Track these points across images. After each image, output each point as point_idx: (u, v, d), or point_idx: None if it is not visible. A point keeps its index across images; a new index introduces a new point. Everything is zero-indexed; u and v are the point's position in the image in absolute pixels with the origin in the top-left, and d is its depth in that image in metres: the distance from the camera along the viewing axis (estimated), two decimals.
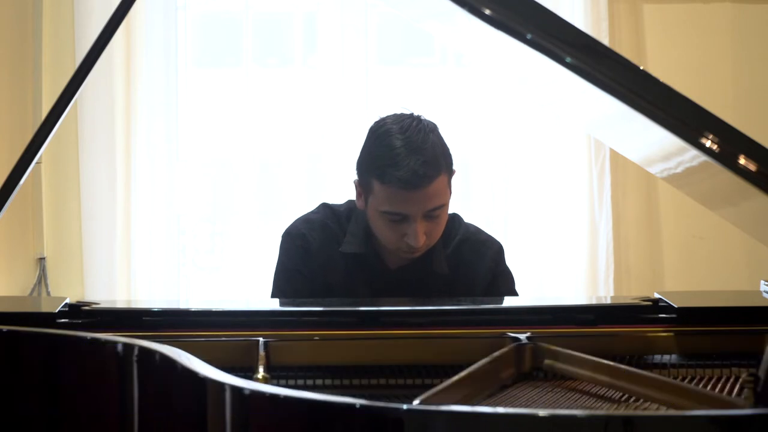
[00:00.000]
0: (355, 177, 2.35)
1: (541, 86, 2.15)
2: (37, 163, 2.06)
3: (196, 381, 1.51)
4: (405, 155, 2.23)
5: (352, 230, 2.40)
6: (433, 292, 2.36)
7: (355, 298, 2.34)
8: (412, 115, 2.32)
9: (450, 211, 2.46)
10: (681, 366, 1.95)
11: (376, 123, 2.33)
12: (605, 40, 3.80)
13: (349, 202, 2.43)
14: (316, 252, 2.41)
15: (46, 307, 2.26)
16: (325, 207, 2.47)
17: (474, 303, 2.25)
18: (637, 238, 3.98)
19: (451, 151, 2.33)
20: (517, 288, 2.51)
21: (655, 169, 2.12)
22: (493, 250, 2.46)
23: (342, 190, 3.70)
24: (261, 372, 1.80)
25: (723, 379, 1.91)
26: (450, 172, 2.31)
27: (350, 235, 2.39)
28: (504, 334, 1.95)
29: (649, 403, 1.77)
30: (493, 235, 2.50)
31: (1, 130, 3.64)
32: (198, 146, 4.05)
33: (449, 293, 2.36)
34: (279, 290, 2.44)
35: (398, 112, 2.33)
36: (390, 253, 2.36)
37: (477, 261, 2.42)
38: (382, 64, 4.07)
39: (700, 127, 1.65)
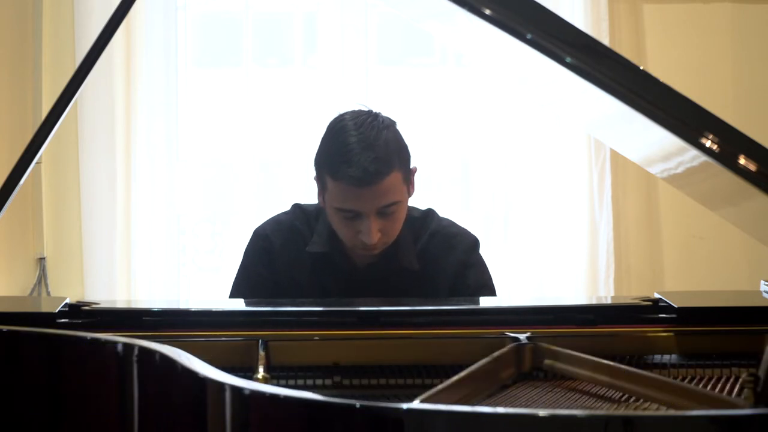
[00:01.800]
0: (314, 174, 2.35)
1: (541, 86, 2.15)
2: (37, 163, 2.06)
3: (196, 381, 1.51)
4: (357, 152, 2.22)
5: (319, 230, 2.40)
6: (402, 289, 2.35)
7: (324, 297, 2.34)
8: (369, 111, 2.31)
9: (426, 207, 2.46)
10: (681, 366, 1.94)
11: (335, 119, 2.33)
12: (605, 40, 3.80)
13: None
14: (278, 252, 2.41)
15: (46, 307, 2.26)
16: (295, 207, 2.48)
17: (474, 303, 2.25)
18: (637, 238, 3.98)
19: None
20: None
21: (655, 169, 2.12)
22: (466, 243, 2.43)
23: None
24: (261, 372, 1.80)
25: (723, 379, 1.91)
26: (406, 170, 2.29)
27: (317, 234, 2.40)
28: (504, 334, 1.95)
29: (649, 403, 1.77)
30: (468, 230, 2.47)
31: (1, 130, 3.64)
32: (198, 146, 4.06)
33: (419, 288, 2.35)
34: (236, 288, 2.45)
35: (357, 108, 2.33)
36: (356, 251, 2.35)
37: (447, 254, 2.40)
38: (382, 64, 4.07)
39: (700, 127, 1.65)
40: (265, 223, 2.48)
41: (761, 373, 1.66)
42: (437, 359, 1.93)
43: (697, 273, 4.00)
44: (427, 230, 2.42)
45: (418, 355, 1.94)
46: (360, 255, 2.35)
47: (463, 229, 2.47)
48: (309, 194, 3.91)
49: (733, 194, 1.80)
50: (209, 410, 1.49)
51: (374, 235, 2.25)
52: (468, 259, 2.42)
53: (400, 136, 2.32)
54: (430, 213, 2.45)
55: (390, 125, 2.30)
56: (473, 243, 2.45)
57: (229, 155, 4.05)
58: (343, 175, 2.22)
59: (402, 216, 2.31)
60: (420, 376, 1.90)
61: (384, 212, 2.26)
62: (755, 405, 1.63)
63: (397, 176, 2.26)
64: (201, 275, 4.12)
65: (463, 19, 1.72)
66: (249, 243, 2.47)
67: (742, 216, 2.07)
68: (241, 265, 2.47)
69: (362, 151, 2.22)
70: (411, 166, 2.32)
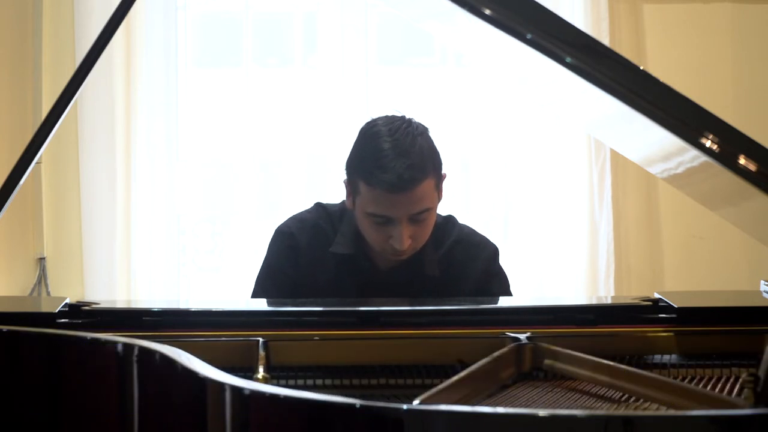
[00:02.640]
0: (345, 177, 2.35)
1: (541, 86, 2.15)
2: (37, 163, 2.06)
3: (196, 381, 1.51)
4: (392, 158, 2.22)
5: (343, 231, 2.39)
6: (423, 294, 2.35)
7: (344, 298, 2.33)
8: (403, 117, 2.31)
9: (446, 213, 2.46)
10: (681, 366, 1.95)
11: (367, 124, 2.33)
12: (605, 40, 3.80)
13: (344, 202, 2.43)
14: (303, 251, 2.41)
15: (46, 307, 2.26)
16: (318, 207, 2.47)
17: (474, 303, 2.25)
18: (637, 238, 3.98)
19: (442, 155, 2.32)
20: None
21: (655, 170, 2.12)
22: (487, 252, 2.45)
23: (341, 189, 3.70)
24: (261, 372, 1.80)
25: (723, 379, 1.91)
26: (438, 176, 2.30)
27: (341, 235, 2.39)
28: (504, 334, 1.95)
29: (649, 403, 1.77)
30: (488, 237, 2.49)
31: (1, 130, 3.64)
32: (198, 146, 4.05)
33: (441, 295, 2.35)
34: (261, 288, 2.44)
35: (390, 114, 2.33)
36: (380, 255, 2.35)
37: (470, 263, 2.41)
38: (382, 64, 4.07)
39: (700, 127, 1.65)
40: (288, 220, 2.47)
41: (761, 373, 1.66)
42: (437, 359, 1.93)
43: (697, 273, 4.00)
44: (449, 237, 2.42)
45: (418, 355, 1.94)
46: (383, 259, 2.35)
47: (484, 237, 2.48)
48: (309, 194, 3.93)
49: (733, 194, 1.79)
50: (209, 410, 1.49)
51: (405, 241, 2.25)
52: (491, 268, 2.44)
53: (433, 142, 2.32)
54: (451, 219, 2.46)
55: (424, 132, 2.30)
56: (494, 252, 2.46)
57: (229, 155, 4.04)
58: (378, 180, 2.22)
59: (432, 222, 2.32)
60: (420, 376, 1.90)
61: (416, 218, 2.26)
62: (755, 405, 1.63)
63: (430, 183, 2.26)
64: (201, 275, 4.12)
65: (463, 19, 1.72)
66: (273, 241, 2.45)
67: (742, 216, 2.07)
68: (264, 264, 2.46)
69: (397, 157, 2.22)
70: (442, 173, 2.32)
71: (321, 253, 2.39)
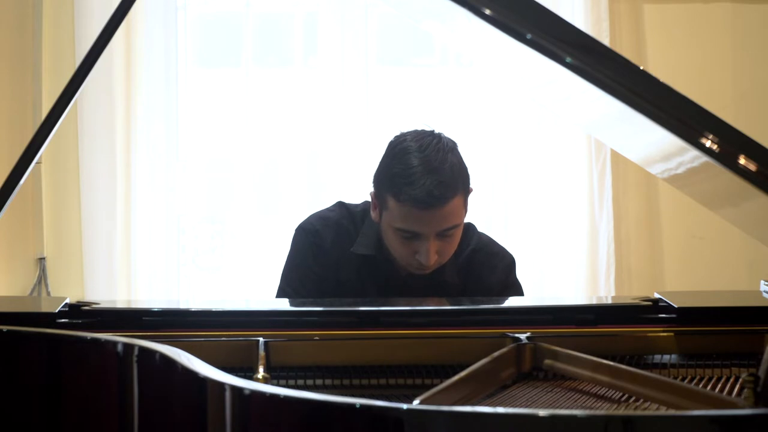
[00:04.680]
0: (372, 189, 2.34)
1: (541, 86, 2.15)
2: (37, 163, 2.06)
3: (196, 381, 1.51)
4: (421, 174, 2.22)
5: (365, 231, 2.39)
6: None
7: (363, 298, 2.33)
8: (432, 132, 2.31)
9: (467, 221, 2.46)
10: (681, 366, 1.95)
11: (396, 138, 2.32)
12: (605, 40, 3.80)
13: (365, 203, 2.42)
14: (328, 250, 2.40)
15: (46, 307, 2.26)
16: (341, 206, 2.46)
17: (474, 303, 2.25)
18: (637, 238, 3.98)
19: (469, 171, 2.32)
20: None
21: (655, 170, 2.12)
22: (505, 262, 2.46)
23: (342, 190, 3.70)
24: (261, 372, 1.80)
25: (723, 379, 1.91)
26: (467, 192, 2.30)
27: (363, 236, 2.39)
28: (504, 334, 1.95)
29: (649, 403, 1.77)
30: (505, 247, 2.49)
31: (1, 130, 3.64)
32: (198, 146, 4.06)
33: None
34: (289, 286, 2.42)
35: (419, 129, 2.32)
36: (409, 269, 2.34)
37: (488, 272, 2.42)
38: (382, 64, 4.07)
39: (700, 127, 1.65)
40: (311, 218, 2.46)
41: (761, 373, 1.66)
42: (437, 359, 1.93)
43: (697, 273, 4.00)
44: (468, 245, 2.42)
45: (418, 355, 1.94)
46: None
47: (502, 247, 2.49)
48: (309, 194, 3.93)
49: (733, 194, 1.80)
50: (209, 410, 1.49)
51: (432, 257, 2.25)
52: (508, 279, 2.45)
53: (462, 158, 2.31)
54: (470, 227, 2.45)
55: (453, 148, 2.30)
56: (512, 262, 2.48)
57: (229, 155, 4.05)
58: (408, 197, 2.22)
59: (458, 237, 2.31)
60: (420, 376, 1.90)
61: (443, 234, 2.26)
62: (755, 405, 1.63)
63: (460, 200, 2.26)
64: (201, 275, 4.12)
65: (463, 19, 1.72)
66: (296, 239, 2.44)
67: (742, 216, 2.07)
68: (289, 261, 2.44)
69: (427, 174, 2.22)
70: (469, 187, 2.32)
71: (343, 252, 2.39)
